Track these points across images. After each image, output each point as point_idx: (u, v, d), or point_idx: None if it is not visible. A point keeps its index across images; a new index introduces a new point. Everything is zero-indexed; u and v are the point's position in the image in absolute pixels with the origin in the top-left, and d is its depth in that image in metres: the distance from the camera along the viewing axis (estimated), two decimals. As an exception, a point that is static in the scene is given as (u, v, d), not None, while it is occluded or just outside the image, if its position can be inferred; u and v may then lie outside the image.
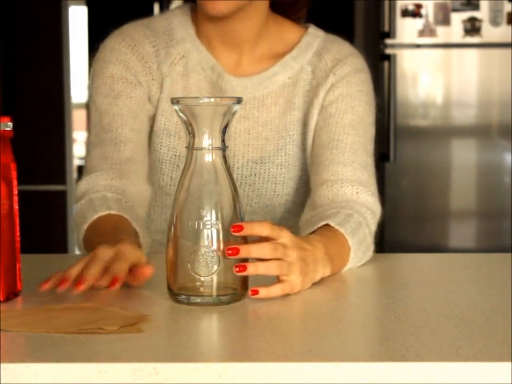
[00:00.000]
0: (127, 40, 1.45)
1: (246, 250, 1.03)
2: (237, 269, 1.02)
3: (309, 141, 1.45)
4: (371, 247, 1.34)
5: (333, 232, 1.25)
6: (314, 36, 1.50)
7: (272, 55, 1.48)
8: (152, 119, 1.46)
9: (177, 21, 1.48)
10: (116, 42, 1.45)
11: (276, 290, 1.07)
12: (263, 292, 1.05)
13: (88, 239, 1.26)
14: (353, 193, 1.38)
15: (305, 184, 1.48)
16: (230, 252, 1.01)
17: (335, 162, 1.40)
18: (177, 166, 1.45)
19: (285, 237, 1.08)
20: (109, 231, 1.23)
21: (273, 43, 1.48)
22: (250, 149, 1.46)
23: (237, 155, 1.46)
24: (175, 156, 1.45)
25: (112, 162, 1.39)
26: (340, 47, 1.49)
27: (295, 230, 1.45)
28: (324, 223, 1.26)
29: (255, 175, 1.45)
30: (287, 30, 1.50)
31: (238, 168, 1.46)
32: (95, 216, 1.28)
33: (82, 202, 1.35)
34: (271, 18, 1.47)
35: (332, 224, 1.26)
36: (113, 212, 1.28)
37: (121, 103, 1.42)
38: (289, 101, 1.46)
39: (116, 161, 1.39)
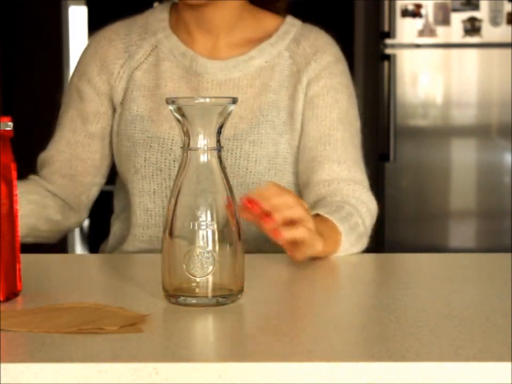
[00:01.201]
0: (97, 41, 1.56)
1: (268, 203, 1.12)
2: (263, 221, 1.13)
3: (297, 125, 1.50)
4: (365, 237, 1.40)
5: (322, 218, 1.32)
6: (291, 24, 1.56)
7: (249, 41, 1.54)
8: (122, 110, 1.52)
9: (154, 15, 1.57)
10: (89, 45, 1.58)
11: (299, 231, 1.15)
12: (287, 234, 1.13)
13: None
14: (349, 191, 1.45)
15: (278, 167, 1.50)
16: (249, 205, 1.11)
17: (330, 160, 1.48)
18: (150, 146, 1.48)
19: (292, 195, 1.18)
20: None
21: (250, 30, 1.54)
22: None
23: None
24: (148, 137, 1.49)
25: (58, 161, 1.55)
26: (317, 35, 1.56)
27: None
28: (314, 213, 1.33)
29: (227, 151, 1.48)
30: (265, 19, 1.56)
31: None
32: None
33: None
34: (248, 8, 1.54)
35: (321, 213, 1.33)
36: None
37: (70, 113, 1.56)
38: (265, 83, 1.51)
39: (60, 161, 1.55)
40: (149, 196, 1.49)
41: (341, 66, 1.54)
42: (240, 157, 1.48)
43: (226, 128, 1.47)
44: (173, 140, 1.47)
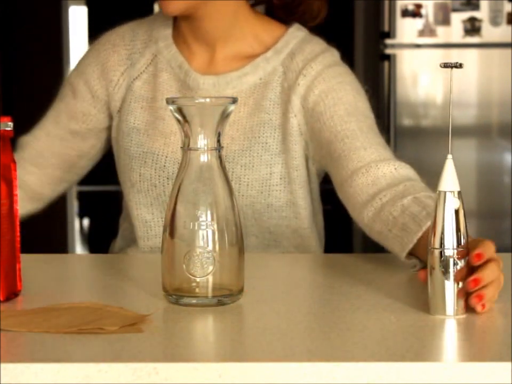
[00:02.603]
0: (102, 43, 1.54)
1: (484, 278, 1.01)
2: (475, 300, 0.99)
3: (291, 145, 1.43)
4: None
5: None
6: (293, 36, 1.47)
7: (248, 55, 1.47)
8: (120, 121, 1.50)
9: (160, 21, 1.52)
10: (93, 46, 1.55)
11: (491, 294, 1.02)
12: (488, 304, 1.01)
13: None
14: (392, 170, 1.34)
15: (272, 188, 1.45)
16: (472, 284, 0.99)
17: (355, 149, 1.36)
18: (145, 161, 1.46)
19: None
20: None
21: (250, 43, 1.47)
22: None
23: None
24: (143, 152, 1.46)
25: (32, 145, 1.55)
26: (314, 47, 1.47)
27: (270, 229, 1.47)
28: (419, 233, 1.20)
29: None
30: (268, 30, 1.48)
31: None
32: None
33: None
34: (252, 18, 1.47)
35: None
36: None
37: (58, 106, 1.57)
38: (258, 102, 1.44)
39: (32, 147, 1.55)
40: (146, 208, 1.47)
41: (338, 69, 1.45)
42: (231, 180, 1.41)
43: None
44: (166, 157, 1.44)
